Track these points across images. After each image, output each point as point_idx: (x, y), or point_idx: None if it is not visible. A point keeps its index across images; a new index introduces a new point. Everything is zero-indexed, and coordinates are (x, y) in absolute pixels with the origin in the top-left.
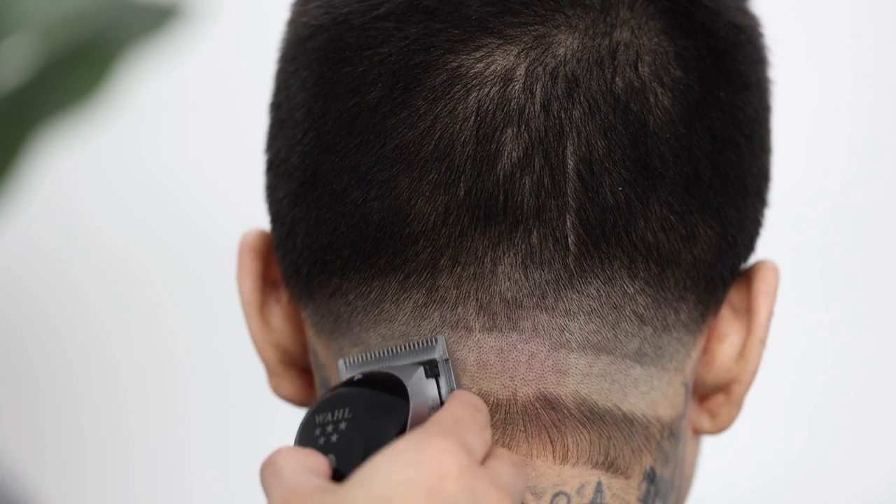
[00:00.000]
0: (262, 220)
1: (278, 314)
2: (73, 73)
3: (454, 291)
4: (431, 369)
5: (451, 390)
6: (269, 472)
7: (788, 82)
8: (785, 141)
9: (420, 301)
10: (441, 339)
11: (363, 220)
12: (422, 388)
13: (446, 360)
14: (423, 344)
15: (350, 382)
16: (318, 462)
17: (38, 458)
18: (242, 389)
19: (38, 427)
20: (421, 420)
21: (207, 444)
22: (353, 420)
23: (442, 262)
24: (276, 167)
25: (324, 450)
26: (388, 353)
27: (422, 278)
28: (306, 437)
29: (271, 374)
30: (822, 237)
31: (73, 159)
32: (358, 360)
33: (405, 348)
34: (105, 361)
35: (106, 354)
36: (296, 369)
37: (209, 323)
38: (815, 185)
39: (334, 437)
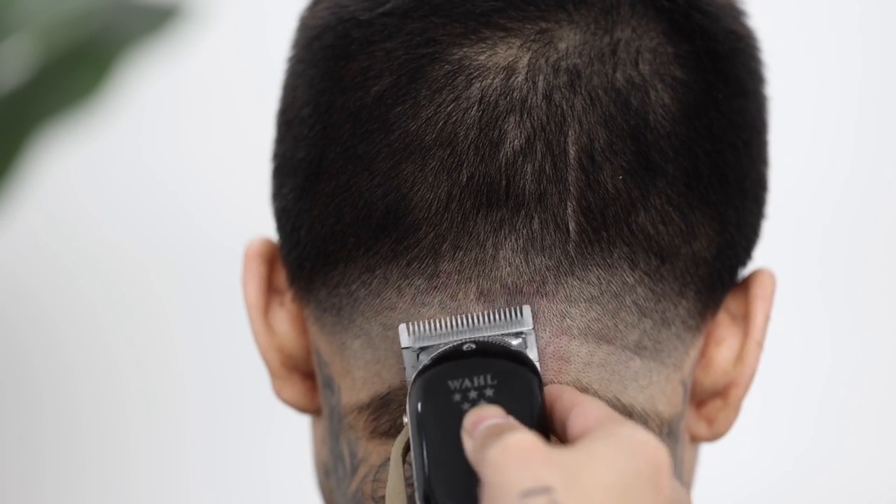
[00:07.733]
0: (261, 220)
1: (282, 318)
2: (73, 73)
3: (455, 277)
4: (523, 341)
5: (536, 362)
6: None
7: (787, 85)
8: (783, 145)
9: (421, 287)
10: (528, 309)
11: (366, 209)
12: None
13: (531, 331)
14: (505, 315)
15: (465, 352)
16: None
17: (38, 458)
18: (242, 391)
19: (37, 427)
20: None
21: (206, 445)
22: (500, 388)
23: (444, 247)
24: (282, 167)
25: None
26: (462, 323)
27: (423, 264)
28: (444, 402)
29: (274, 377)
30: (820, 242)
31: (73, 160)
32: (423, 328)
33: (485, 319)
34: (105, 362)
35: (105, 355)
36: (299, 374)
37: (209, 323)
38: (814, 190)
39: (483, 404)
